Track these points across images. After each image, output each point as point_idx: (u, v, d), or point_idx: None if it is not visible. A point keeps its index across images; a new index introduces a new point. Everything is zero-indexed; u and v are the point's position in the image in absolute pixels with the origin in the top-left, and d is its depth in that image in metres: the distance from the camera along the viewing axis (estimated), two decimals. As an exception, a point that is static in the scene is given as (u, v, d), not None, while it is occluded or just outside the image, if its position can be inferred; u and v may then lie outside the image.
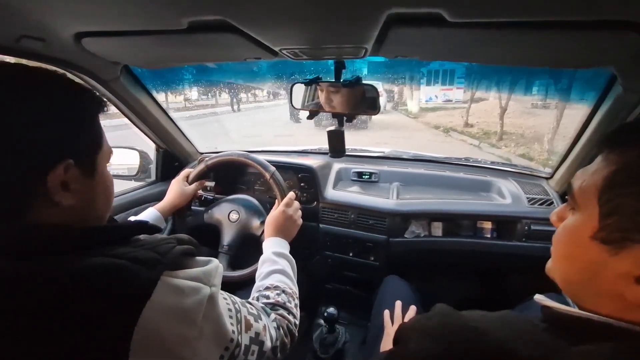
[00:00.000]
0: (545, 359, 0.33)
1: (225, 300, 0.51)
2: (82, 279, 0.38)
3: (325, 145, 1.65)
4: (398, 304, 0.93)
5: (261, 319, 0.58)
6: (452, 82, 13.20)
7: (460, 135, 8.40)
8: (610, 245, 0.34)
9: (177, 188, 1.13)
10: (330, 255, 1.34)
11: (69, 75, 0.49)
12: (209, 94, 13.74)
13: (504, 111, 7.76)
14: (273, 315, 0.65)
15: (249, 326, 0.54)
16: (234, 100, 13.34)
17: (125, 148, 1.37)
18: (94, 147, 0.47)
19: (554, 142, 6.30)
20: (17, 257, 0.39)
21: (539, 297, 0.44)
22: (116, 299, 0.38)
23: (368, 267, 1.28)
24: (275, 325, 0.63)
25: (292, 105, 1.04)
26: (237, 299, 0.56)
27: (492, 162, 1.49)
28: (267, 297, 0.71)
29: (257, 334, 0.55)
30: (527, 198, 1.20)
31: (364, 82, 0.91)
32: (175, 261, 0.44)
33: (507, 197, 1.22)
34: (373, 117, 9.67)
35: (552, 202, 1.17)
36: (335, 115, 0.98)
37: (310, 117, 1.02)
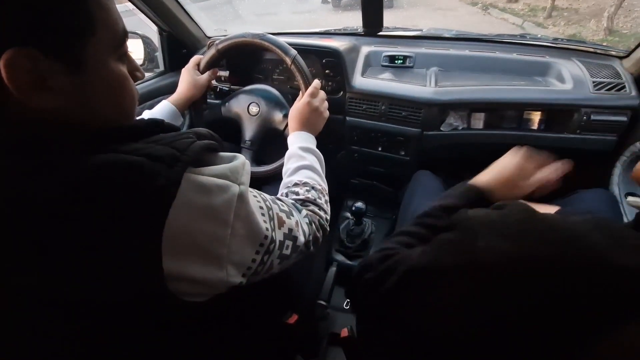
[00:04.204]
0: None
1: (256, 198, 0.48)
2: (92, 178, 0.32)
3: (350, 24, 1.41)
4: None
5: (293, 216, 0.56)
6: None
7: (501, 13, 7.16)
8: None
9: (188, 78, 1.01)
10: (357, 150, 1.26)
11: None
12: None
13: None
14: (304, 212, 0.63)
15: (281, 223, 0.52)
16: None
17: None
18: (77, 31, 0.35)
19: (615, 19, 5.30)
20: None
21: (631, 199, 0.37)
22: (136, 201, 0.33)
23: (397, 162, 1.21)
24: (308, 221, 0.62)
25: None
26: (268, 197, 0.53)
27: (554, 40, 1.24)
28: (297, 194, 0.70)
29: (290, 230, 0.54)
30: (593, 82, 1.01)
31: None
32: (197, 157, 0.38)
33: (568, 81, 1.04)
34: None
35: (623, 87, 0.98)
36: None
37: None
